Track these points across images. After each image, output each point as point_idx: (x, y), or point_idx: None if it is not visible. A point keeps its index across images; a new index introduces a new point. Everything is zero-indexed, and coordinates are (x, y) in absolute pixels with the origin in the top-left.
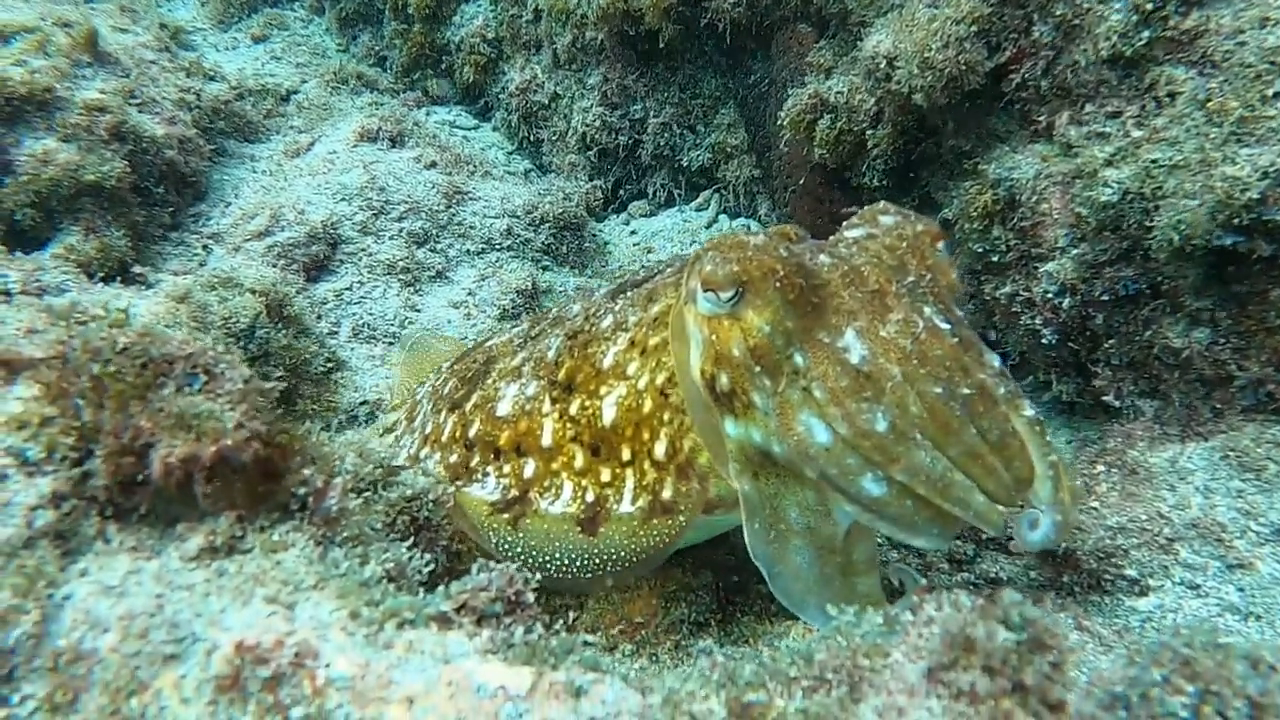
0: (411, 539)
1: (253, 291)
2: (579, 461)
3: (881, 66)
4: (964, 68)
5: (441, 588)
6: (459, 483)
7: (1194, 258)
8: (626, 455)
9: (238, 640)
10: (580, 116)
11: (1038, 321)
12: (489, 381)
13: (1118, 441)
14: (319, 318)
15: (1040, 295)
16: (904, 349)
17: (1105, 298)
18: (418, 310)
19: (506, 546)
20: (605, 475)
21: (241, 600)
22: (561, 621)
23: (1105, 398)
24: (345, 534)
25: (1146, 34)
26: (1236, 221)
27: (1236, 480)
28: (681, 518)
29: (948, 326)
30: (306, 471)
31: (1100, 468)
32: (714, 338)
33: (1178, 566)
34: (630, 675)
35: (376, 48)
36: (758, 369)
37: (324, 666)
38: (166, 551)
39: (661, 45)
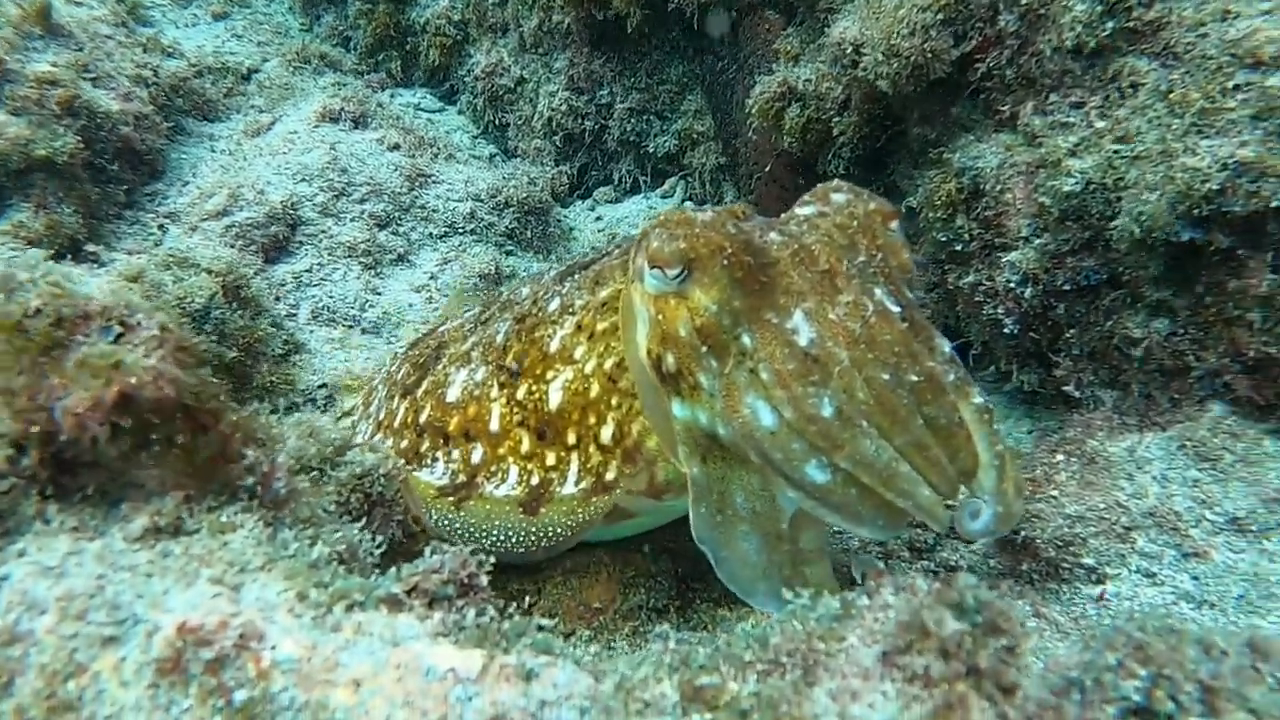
0: (365, 517)
1: (209, 272)
2: (525, 446)
3: (848, 53)
4: (930, 56)
5: (393, 570)
6: (408, 468)
7: (1154, 249)
8: (572, 439)
9: (180, 622)
10: (546, 101)
11: (1000, 311)
12: (439, 367)
13: (1077, 431)
14: (277, 300)
15: (1003, 285)
16: (853, 332)
17: (1067, 288)
18: (379, 293)
19: (445, 523)
20: (550, 459)
21: (185, 581)
22: (517, 606)
23: (1066, 388)
24: (296, 515)
25: (1110, 25)
26: (1196, 213)
27: (1193, 470)
28: (618, 491)
29: (898, 309)
30: (250, 452)
31: (1060, 457)
32: (660, 317)
33: (1135, 555)
34: (583, 659)
35: (340, 28)
36: (704, 349)
37: (269, 649)
38: (110, 532)
39: (629, 30)
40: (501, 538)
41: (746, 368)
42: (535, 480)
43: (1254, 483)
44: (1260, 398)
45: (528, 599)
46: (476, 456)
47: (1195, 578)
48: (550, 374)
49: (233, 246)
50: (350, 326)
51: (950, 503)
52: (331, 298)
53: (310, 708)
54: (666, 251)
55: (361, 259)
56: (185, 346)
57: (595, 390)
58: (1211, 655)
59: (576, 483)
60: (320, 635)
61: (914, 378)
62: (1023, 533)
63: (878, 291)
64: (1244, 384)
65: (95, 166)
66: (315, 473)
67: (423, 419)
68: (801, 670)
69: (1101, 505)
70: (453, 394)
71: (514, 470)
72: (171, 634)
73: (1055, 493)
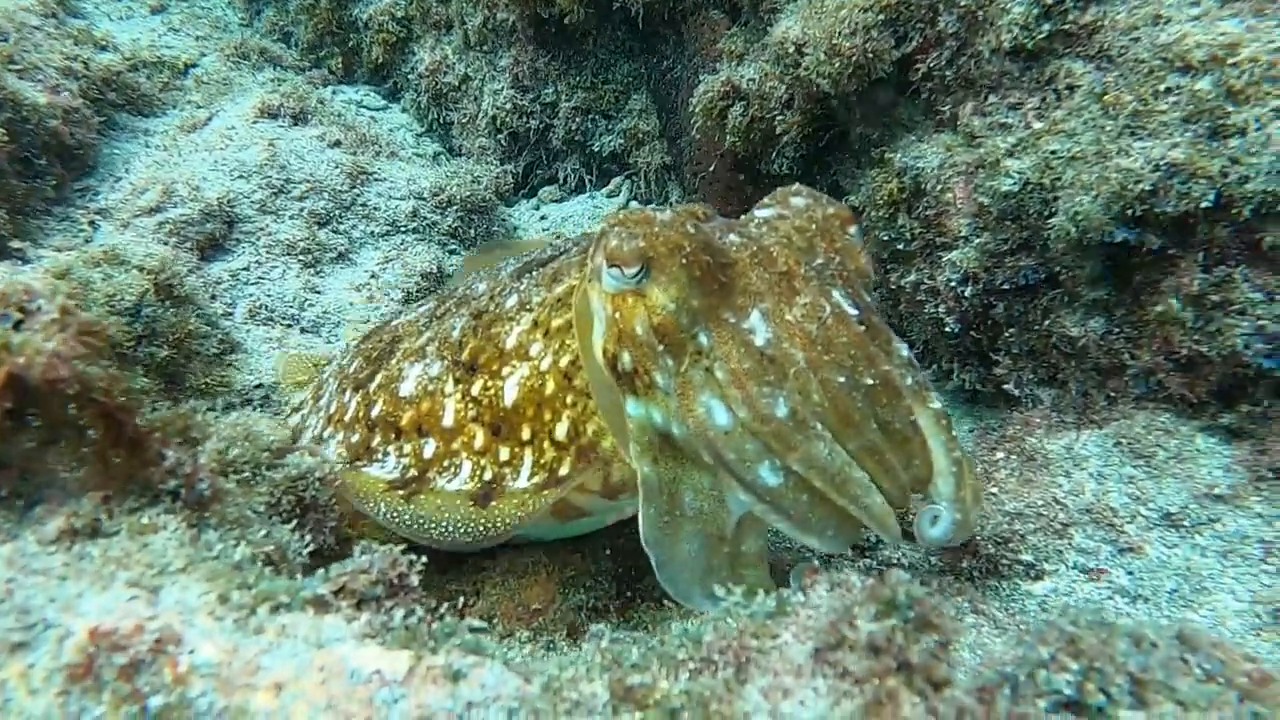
0: (296, 520)
1: (140, 269)
2: (479, 441)
3: (790, 53)
4: (871, 56)
5: (321, 570)
6: (359, 463)
7: (1090, 248)
8: (526, 435)
9: (93, 626)
10: (491, 99)
11: (941, 310)
12: (393, 361)
13: (1017, 429)
14: (213, 298)
15: (944, 284)
16: (809, 334)
17: (1006, 287)
18: (318, 292)
19: (394, 515)
20: (504, 454)
21: (101, 584)
22: (453, 607)
23: (1006, 386)
24: (222, 516)
25: (1047, 27)
26: (1130, 213)
27: (1128, 466)
28: (570, 484)
29: (855, 312)
30: (171, 452)
31: (1000, 454)
32: (617, 315)
33: (1072, 551)
34: (514, 660)
35: (281, 23)
36: (661, 348)
37: (187, 653)
38: (23, 535)
39: (569, 25)
40: (449, 529)
41: (702, 366)
42: (488, 475)
43: (1186, 479)
44: (1192, 395)
45: (465, 600)
46: (429, 451)
47: (1130, 573)
48: (506, 370)
49: (166, 244)
50: (289, 326)
51: (900, 511)
52: (269, 296)
53: (230, 713)
54: (625, 250)
55: (301, 257)
56: (91, 330)
57: (550, 388)
58: (1141, 648)
59: (530, 477)
60: (242, 638)
61: (870, 381)
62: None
63: (835, 294)
64: (1176, 381)
65: (22, 160)
66: (247, 474)
67: (374, 413)
68: (734, 668)
69: (1040, 502)
70: (406, 389)
71: (467, 465)
72: (83, 639)
73: (995, 490)
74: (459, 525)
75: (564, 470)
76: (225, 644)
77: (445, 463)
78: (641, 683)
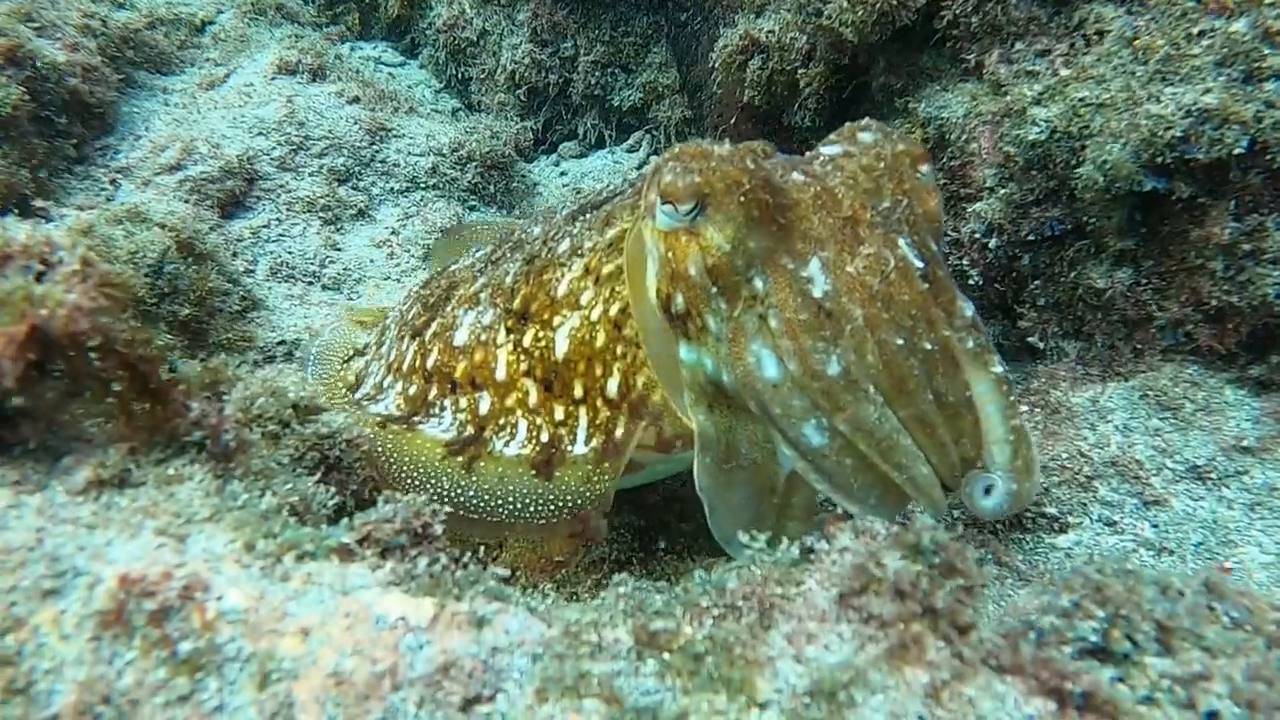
0: (319, 477)
1: (161, 226)
2: (533, 398)
3: (812, 2)
4: (895, 3)
5: (345, 520)
6: (416, 419)
7: (1119, 198)
8: (579, 392)
9: (122, 573)
10: (509, 54)
11: (965, 263)
12: (449, 309)
13: (1041, 382)
14: (234, 255)
15: (968, 236)
16: (870, 289)
17: (1032, 238)
18: (339, 249)
19: (459, 491)
20: (559, 413)
21: (129, 533)
22: (474, 558)
23: (1030, 339)
24: (247, 467)
25: None
26: (1160, 160)
27: (1154, 419)
28: (628, 450)
29: (921, 265)
30: (195, 404)
31: (1024, 408)
32: (671, 254)
33: (1096, 504)
34: (538, 607)
35: None
36: (714, 290)
37: (215, 599)
38: (51, 485)
39: None
40: (519, 505)
41: (756, 313)
42: (545, 437)
43: (1214, 431)
44: (1221, 346)
45: (489, 552)
46: (484, 407)
47: (1155, 525)
48: (557, 320)
49: (187, 201)
50: (310, 283)
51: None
52: (290, 254)
53: (257, 658)
54: (680, 185)
55: (321, 214)
56: (112, 282)
57: (601, 339)
58: (1168, 595)
59: (587, 440)
60: (268, 585)
61: (929, 346)
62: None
63: (901, 244)
64: (1205, 333)
65: (42, 119)
66: (273, 428)
67: (430, 363)
68: (757, 614)
69: (1064, 455)
70: (460, 338)
71: (523, 425)
72: (114, 586)
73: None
74: (528, 499)
75: (619, 432)
76: (252, 591)
77: (500, 420)
78: (665, 628)
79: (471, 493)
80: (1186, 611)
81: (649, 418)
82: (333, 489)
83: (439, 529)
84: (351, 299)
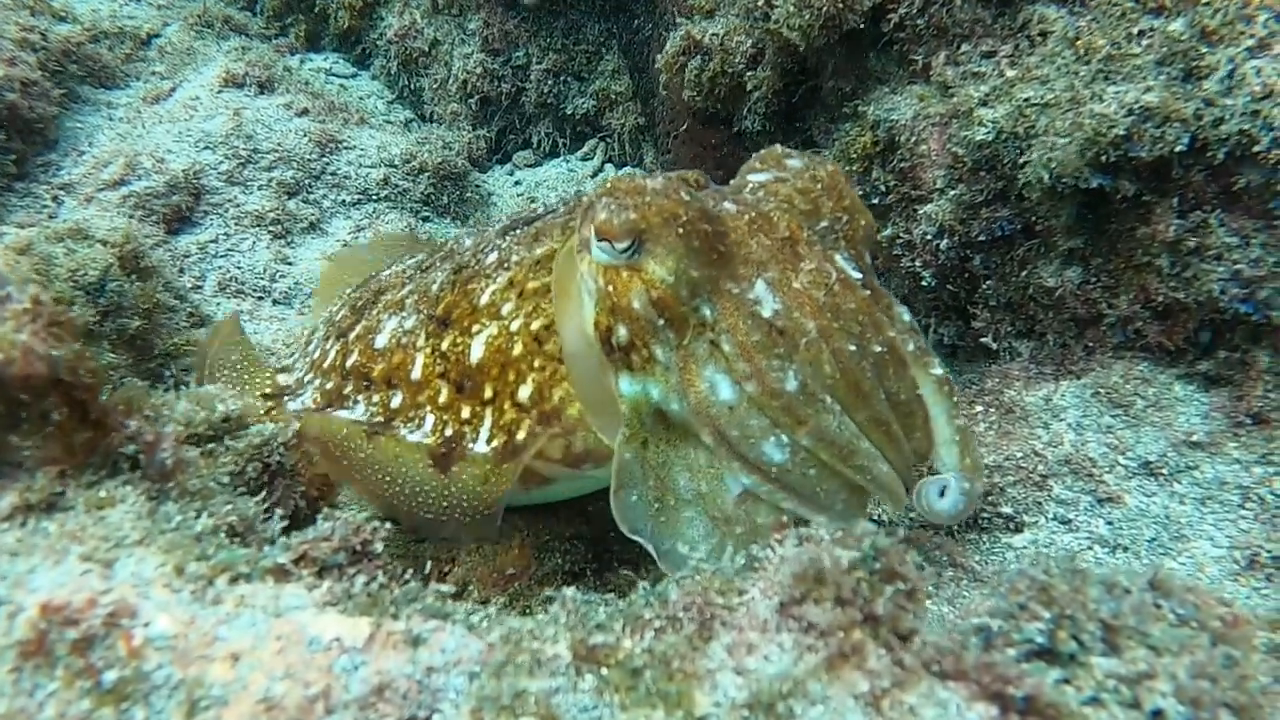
0: (266, 489)
1: (104, 243)
2: (443, 397)
3: (760, 5)
4: (841, 6)
5: (282, 539)
6: (329, 409)
7: (1065, 196)
8: (488, 394)
9: (44, 601)
10: (461, 63)
11: (918, 264)
12: (374, 312)
13: (995, 382)
14: (181, 271)
15: (920, 237)
16: (818, 301)
17: (982, 239)
18: (289, 263)
19: (355, 449)
20: (465, 413)
21: (54, 559)
22: (422, 573)
23: (984, 340)
24: (183, 488)
25: None
26: (1104, 159)
27: (1106, 416)
28: (528, 452)
29: (859, 276)
30: (133, 423)
31: (979, 408)
32: (611, 289)
33: (1051, 502)
34: (476, 623)
35: None
36: (660, 322)
37: (142, 625)
38: None
39: None
40: (411, 489)
41: (707, 339)
42: (449, 432)
43: (1164, 427)
44: (1170, 343)
45: (441, 567)
46: (395, 402)
47: (1110, 523)
48: (476, 328)
49: (131, 217)
50: (260, 298)
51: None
52: (240, 268)
53: (186, 685)
54: (616, 223)
55: (270, 228)
56: (60, 321)
57: (518, 349)
58: (1114, 594)
59: (489, 440)
60: (199, 609)
61: (878, 348)
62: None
63: (839, 258)
64: (1154, 330)
65: None
66: (210, 444)
67: (349, 362)
68: (698, 625)
69: (1019, 454)
70: (381, 340)
71: (430, 419)
72: (35, 614)
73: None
74: (420, 487)
75: (521, 435)
76: (182, 615)
77: (410, 414)
78: (604, 642)
79: (363, 456)
80: (1132, 610)
81: (560, 429)
82: (281, 510)
83: (379, 546)
84: (303, 313)
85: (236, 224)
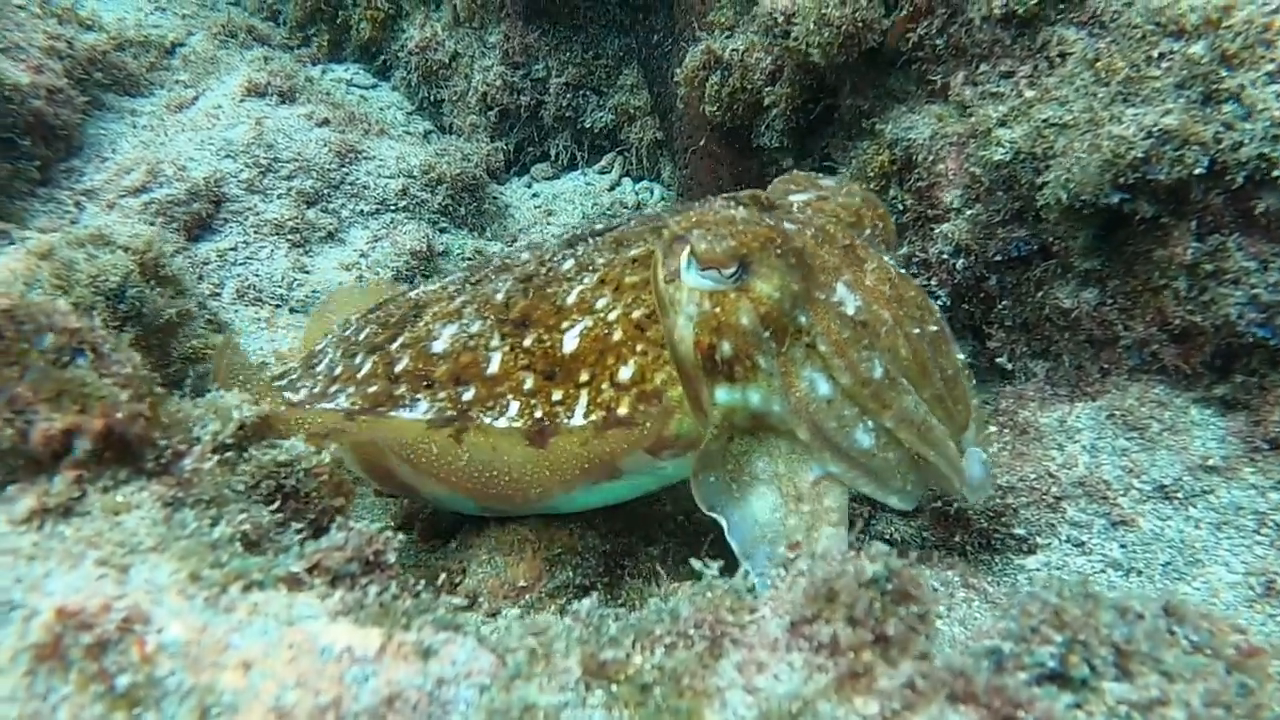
0: (276, 505)
1: (125, 249)
2: (529, 384)
3: (779, 23)
4: (861, 25)
5: (295, 547)
6: (381, 409)
7: (1083, 217)
8: (584, 377)
9: (59, 605)
10: (481, 76)
11: (933, 283)
12: (420, 324)
13: (1010, 402)
14: (200, 279)
15: (935, 256)
16: (886, 295)
17: (999, 259)
18: (307, 272)
19: (449, 460)
20: (556, 395)
21: (70, 564)
22: (434, 584)
23: (999, 360)
24: (199, 495)
25: None
26: (1122, 180)
27: (1121, 439)
28: (640, 430)
29: (904, 270)
30: (162, 440)
31: (993, 428)
32: (717, 310)
33: (1064, 524)
34: (487, 635)
35: (269, 0)
36: (766, 334)
37: (155, 631)
38: None
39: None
40: (513, 473)
41: (803, 344)
42: (539, 414)
43: (1180, 450)
44: (1186, 366)
45: (452, 578)
46: (468, 395)
47: (1123, 546)
48: (565, 324)
49: (153, 224)
50: (277, 305)
51: None
52: (258, 276)
53: (197, 691)
54: (719, 251)
55: (289, 237)
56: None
57: (618, 335)
58: (1126, 619)
59: (585, 415)
60: (212, 616)
61: (933, 329)
62: (956, 504)
63: (887, 257)
64: (1170, 353)
65: (4, 141)
66: (231, 452)
67: (398, 369)
68: (709, 642)
69: (1033, 476)
70: (439, 346)
71: (514, 404)
72: (50, 618)
73: (988, 459)
74: (519, 465)
75: (623, 409)
76: (194, 623)
77: (490, 403)
78: (614, 657)
79: (463, 463)
80: (1145, 635)
81: (659, 410)
82: (294, 524)
83: (392, 557)
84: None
85: (256, 232)
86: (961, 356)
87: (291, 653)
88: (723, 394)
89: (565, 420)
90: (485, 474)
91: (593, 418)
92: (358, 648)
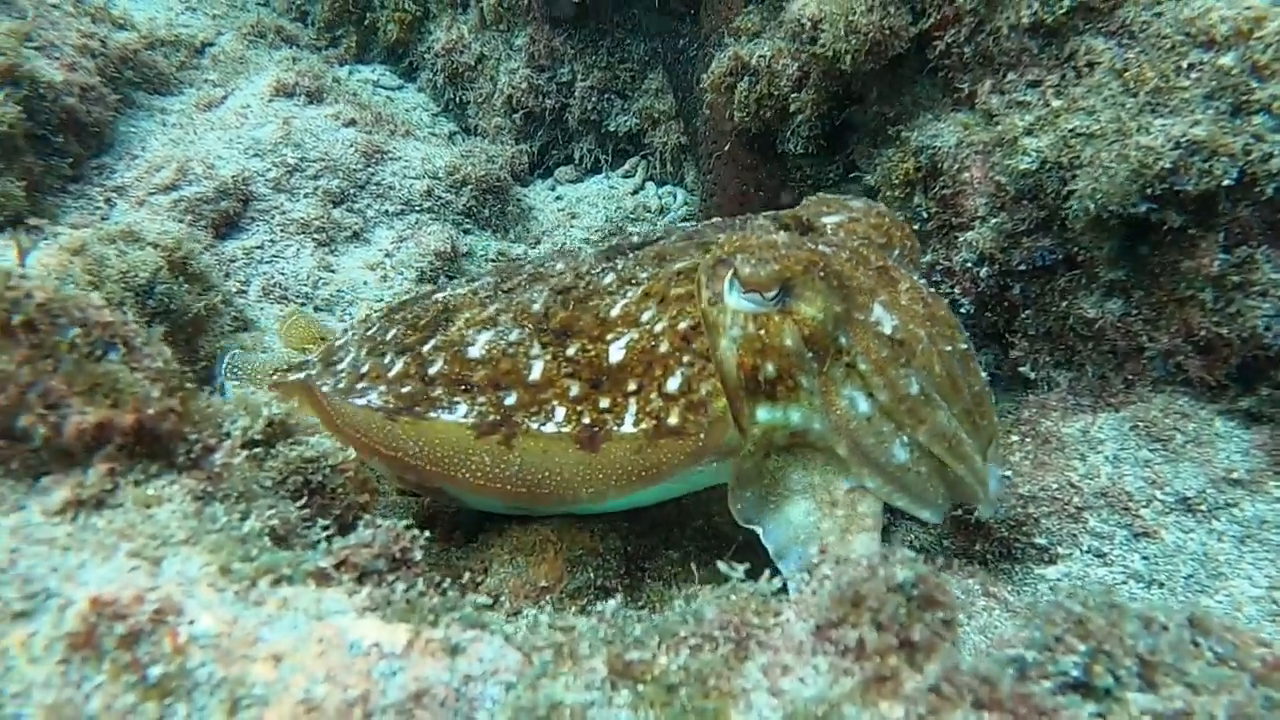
0: (302, 501)
1: (154, 246)
2: (574, 391)
3: (806, 29)
4: (888, 32)
5: (323, 543)
6: (417, 409)
7: (1109, 228)
8: (632, 387)
9: (94, 595)
10: (507, 78)
11: (957, 291)
12: (453, 329)
13: (1032, 412)
14: (227, 276)
15: (959, 264)
16: (919, 314)
17: (1023, 268)
18: (332, 271)
19: (500, 467)
20: (604, 403)
21: (103, 555)
22: (455, 583)
23: (1022, 369)
24: (228, 489)
25: (1068, 2)
26: (1149, 191)
27: (1144, 450)
28: (693, 441)
29: (933, 289)
30: (193, 435)
31: (1015, 437)
32: (762, 332)
33: (1086, 535)
34: (515, 634)
35: (298, 1)
36: (809, 354)
37: (187, 623)
38: (28, 505)
39: (589, 6)
40: (565, 478)
41: (843, 363)
42: (586, 420)
43: (1204, 463)
44: (1211, 378)
45: (474, 578)
46: (510, 400)
47: (1145, 557)
48: (610, 336)
49: (182, 221)
50: (302, 304)
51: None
52: (283, 274)
53: (228, 683)
54: (763, 274)
55: (315, 236)
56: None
57: (664, 347)
58: (1151, 630)
59: (635, 423)
60: (242, 609)
61: (963, 346)
62: (976, 513)
63: (916, 276)
64: (1195, 364)
65: (38, 138)
66: (260, 448)
67: (433, 371)
68: (734, 644)
69: (1054, 485)
70: (476, 352)
71: (560, 410)
72: (85, 608)
73: (1009, 473)
74: (572, 470)
75: (673, 419)
76: (225, 615)
77: (534, 408)
78: (640, 658)
79: (515, 469)
80: (1170, 646)
81: (707, 420)
82: (318, 520)
83: (418, 554)
84: (343, 321)
85: (282, 231)
86: (982, 373)
87: (320, 647)
88: (764, 413)
89: (615, 427)
90: (537, 476)
91: (643, 426)
92: (385, 643)
